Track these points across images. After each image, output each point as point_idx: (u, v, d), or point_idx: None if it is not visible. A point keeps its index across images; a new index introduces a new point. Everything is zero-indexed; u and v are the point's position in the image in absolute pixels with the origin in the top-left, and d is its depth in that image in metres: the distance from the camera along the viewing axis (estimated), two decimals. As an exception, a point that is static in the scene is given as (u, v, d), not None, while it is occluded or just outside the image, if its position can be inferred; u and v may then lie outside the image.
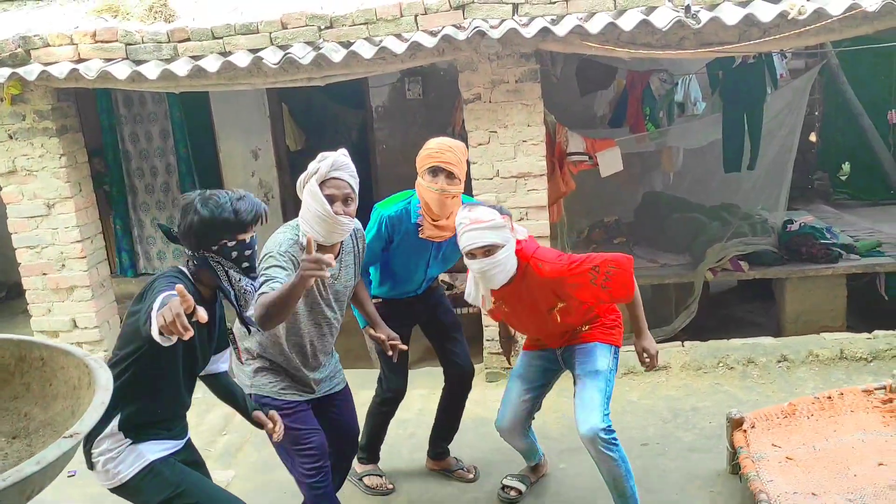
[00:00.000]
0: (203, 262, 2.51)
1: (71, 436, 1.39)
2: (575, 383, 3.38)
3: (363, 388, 5.23)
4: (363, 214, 3.18)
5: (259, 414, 2.89)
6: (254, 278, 2.59)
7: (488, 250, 3.04)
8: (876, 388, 3.82)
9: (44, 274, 5.22)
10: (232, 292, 2.53)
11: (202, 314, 2.11)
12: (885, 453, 3.38)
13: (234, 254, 2.50)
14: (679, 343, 5.34)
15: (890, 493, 3.12)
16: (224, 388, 2.94)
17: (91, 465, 2.67)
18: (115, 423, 2.56)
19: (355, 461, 3.80)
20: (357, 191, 2.96)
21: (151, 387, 2.54)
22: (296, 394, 3.17)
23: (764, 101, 5.71)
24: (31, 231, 5.17)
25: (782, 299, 6.12)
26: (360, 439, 3.73)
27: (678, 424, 4.39)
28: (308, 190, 2.89)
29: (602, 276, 3.06)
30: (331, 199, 2.85)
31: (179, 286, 2.07)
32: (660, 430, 4.33)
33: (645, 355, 3.39)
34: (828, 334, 5.25)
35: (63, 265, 5.20)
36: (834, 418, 3.69)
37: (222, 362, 2.87)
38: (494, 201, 4.69)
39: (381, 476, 4.03)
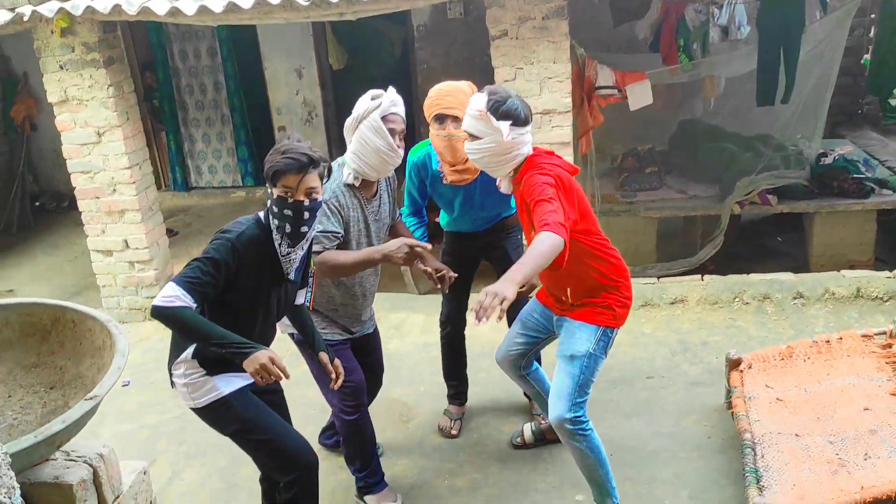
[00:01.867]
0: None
1: (91, 398, 1.67)
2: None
3: (392, 311, 5.56)
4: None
5: (324, 356, 2.91)
6: (291, 248, 2.63)
7: (472, 137, 2.96)
8: (876, 333, 3.94)
9: (97, 197, 5.59)
10: (279, 249, 2.60)
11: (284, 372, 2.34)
12: (872, 398, 3.54)
13: (275, 209, 2.53)
14: (698, 276, 5.47)
15: (869, 438, 3.30)
16: (299, 320, 3.02)
17: (172, 384, 2.73)
18: (189, 351, 2.63)
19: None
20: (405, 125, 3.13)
21: (224, 325, 2.48)
22: (336, 333, 3.33)
23: (802, 33, 5.59)
24: (83, 157, 5.50)
25: (811, 233, 6.16)
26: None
27: (686, 358, 4.60)
28: (369, 126, 2.99)
29: (545, 211, 2.72)
30: (392, 132, 3.01)
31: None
32: (667, 363, 4.55)
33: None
34: (847, 272, 5.32)
35: (114, 190, 5.55)
36: (829, 362, 3.85)
37: (300, 297, 2.97)
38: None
39: (452, 420, 4.12)
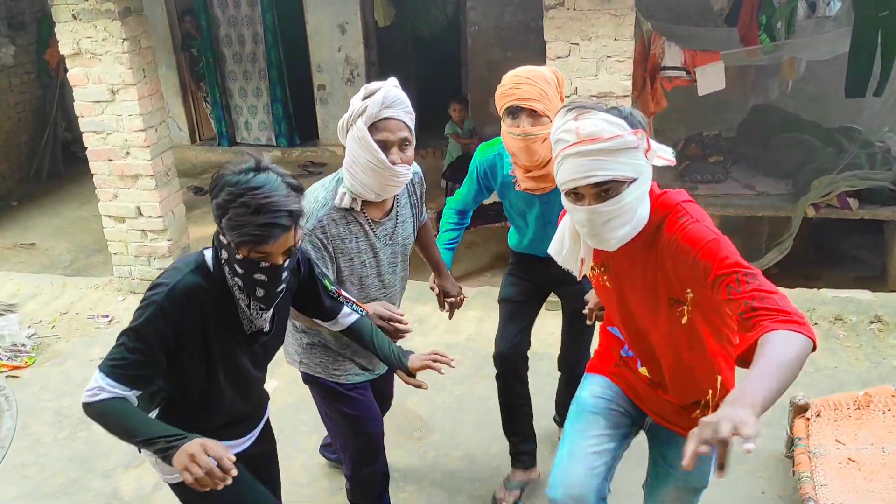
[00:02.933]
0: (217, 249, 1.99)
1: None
2: (659, 484, 2.46)
3: (418, 302, 5.11)
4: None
5: (402, 375, 2.42)
6: (265, 310, 2.05)
7: (607, 188, 1.87)
8: (973, 385, 3.35)
9: (109, 160, 5.20)
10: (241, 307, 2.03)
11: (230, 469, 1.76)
12: (966, 468, 2.98)
13: (239, 269, 1.92)
14: (761, 288, 4.87)
15: (960, 519, 2.76)
16: (356, 337, 2.45)
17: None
18: (154, 413, 2.14)
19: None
20: (414, 129, 2.38)
21: (183, 399, 2.10)
22: (352, 374, 2.70)
23: (906, 15, 4.87)
24: (96, 116, 5.11)
25: (892, 244, 5.50)
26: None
27: (741, 387, 4.04)
28: (353, 135, 2.31)
29: (752, 290, 1.80)
30: (384, 145, 2.29)
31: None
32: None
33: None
34: (936, 295, 4.68)
35: (128, 153, 5.15)
36: (915, 417, 3.28)
37: (343, 317, 2.39)
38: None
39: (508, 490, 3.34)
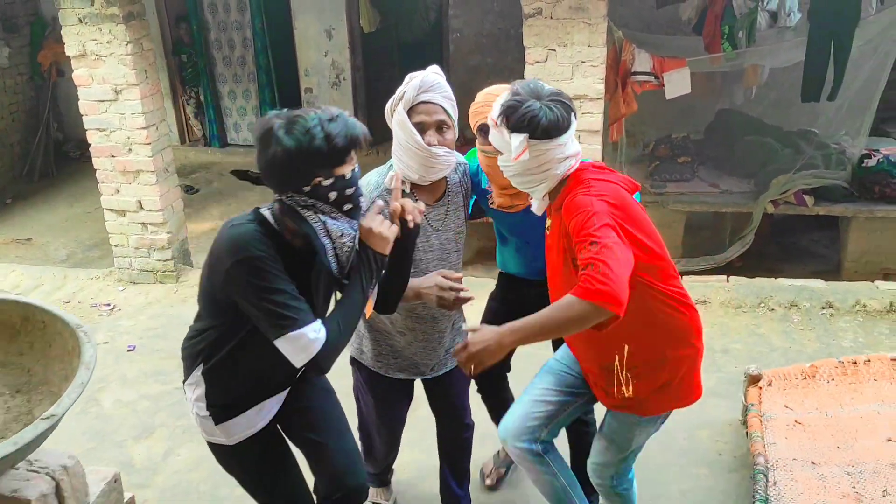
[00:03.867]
0: (291, 209, 2.01)
1: (49, 417, 1.55)
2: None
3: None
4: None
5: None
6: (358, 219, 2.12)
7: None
8: (907, 358, 3.74)
9: (112, 156, 5.47)
10: (330, 247, 2.05)
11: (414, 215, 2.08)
12: (897, 429, 3.36)
13: (333, 194, 2.00)
14: (723, 277, 5.26)
15: (890, 472, 3.12)
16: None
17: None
18: (197, 375, 2.23)
19: None
20: (455, 115, 2.48)
21: (232, 367, 2.17)
22: (395, 369, 2.78)
23: (856, 26, 5.28)
24: (100, 114, 5.38)
25: (846, 237, 5.92)
26: None
27: (704, 365, 4.34)
28: (396, 119, 2.44)
29: (588, 258, 2.03)
30: (421, 128, 2.40)
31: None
32: (684, 370, 4.37)
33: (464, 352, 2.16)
34: (881, 283, 5.08)
35: (130, 149, 5.43)
36: (855, 385, 3.66)
37: None
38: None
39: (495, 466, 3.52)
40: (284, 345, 1.95)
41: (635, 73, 5.23)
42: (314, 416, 2.47)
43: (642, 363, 2.38)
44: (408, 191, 2.49)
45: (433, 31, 9.13)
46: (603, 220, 2.11)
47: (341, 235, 2.04)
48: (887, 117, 7.97)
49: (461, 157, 2.74)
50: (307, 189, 1.97)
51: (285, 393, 2.41)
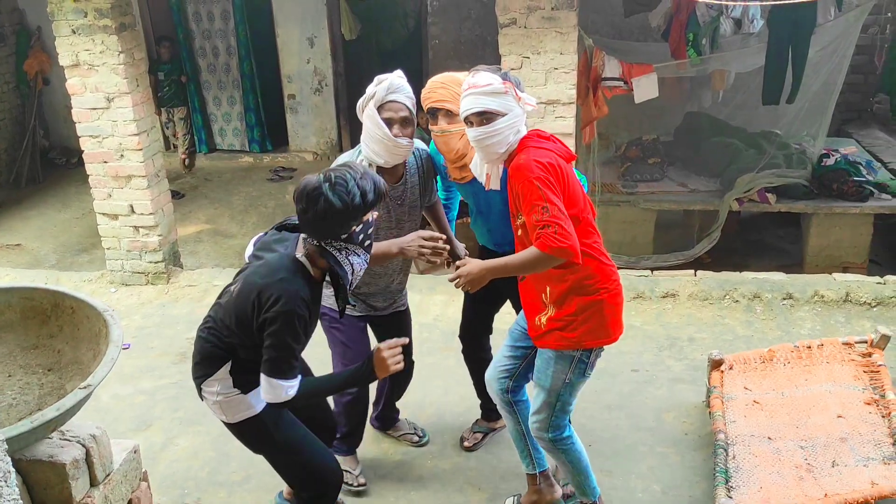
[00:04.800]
0: (324, 250, 2.45)
1: (86, 387, 1.78)
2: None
3: (411, 291, 5.61)
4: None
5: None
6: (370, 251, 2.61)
7: (486, 118, 2.74)
8: (857, 342, 4.02)
9: (104, 162, 5.67)
10: (349, 278, 2.51)
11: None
12: (846, 406, 3.64)
13: (362, 237, 2.50)
14: (691, 272, 5.55)
15: (839, 445, 3.41)
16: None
17: (201, 397, 2.75)
18: (225, 369, 2.60)
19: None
20: (415, 112, 3.06)
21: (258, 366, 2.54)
22: (356, 309, 3.37)
23: (812, 32, 5.60)
24: (92, 122, 5.57)
25: (807, 233, 6.24)
26: None
27: (672, 353, 4.70)
28: (367, 114, 3.00)
29: (543, 221, 2.63)
30: (388, 123, 2.96)
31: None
32: (653, 357, 4.65)
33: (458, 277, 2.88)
34: (838, 275, 5.39)
35: (122, 155, 5.63)
36: (809, 368, 3.95)
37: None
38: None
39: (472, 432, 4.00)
40: (266, 381, 2.47)
41: (605, 79, 5.51)
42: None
43: (556, 300, 2.89)
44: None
45: (412, 37, 9.37)
46: (546, 185, 2.65)
47: (360, 269, 2.57)
48: (848, 119, 8.38)
49: (422, 144, 3.32)
50: (344, 236, 2.46)
51: None
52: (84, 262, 7.05)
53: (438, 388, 4.49)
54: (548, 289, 2.91)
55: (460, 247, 3.62)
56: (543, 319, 2.94)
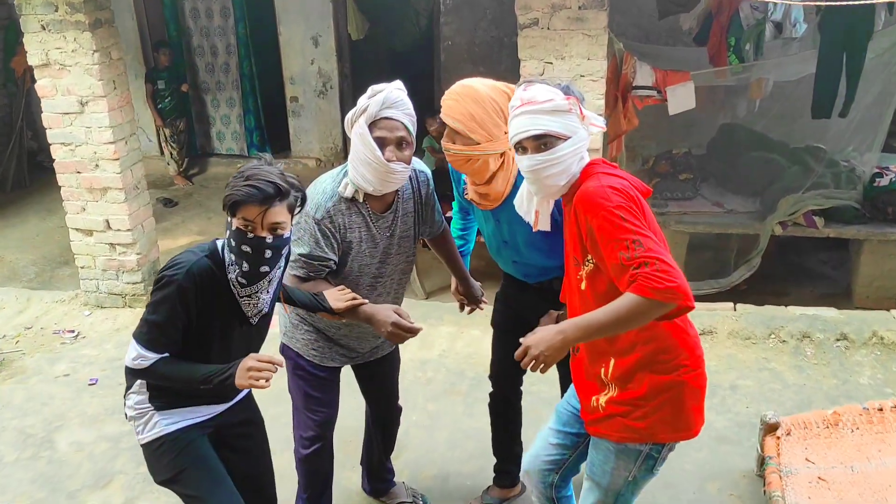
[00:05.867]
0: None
1: None
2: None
3: (440, 323, 5.03)
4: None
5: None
6: (246, 286, 2.28)
7: (544, 142, 2.20)
8: (938, 403, 3.42)
9: (77, 172, 5.12)
10: (232, 273, 2.25)
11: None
12: (931, 486, 3.04)
13: (233, 242, 2.20)
14: (730, 305, 4.94)
15: (926, 538, 2.81)
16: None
17: (126, 415, 2.53)
18: (142, 381, 2.40)
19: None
20: (414, 132, 2.51)
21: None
22: (328, 358, 2.86)
23: (869, 39, 4.97)
24: (64, 128, 5.03)
25: (857, 261, 5.61)
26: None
27: (712, 405, 4.08)
28: (356, 131, 2.47)
29: (638, 259, 1.99)
30: (381, 143, 2.43)
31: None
32: (691, 410, 4.04)
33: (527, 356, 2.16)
34: (899, 312, 4.77)
35: (97, 165, 5.08)
36: (882, 435, 3.34)
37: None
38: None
39: None
40: (131, 344, 2.29)
41: (636, 88, 4.90)
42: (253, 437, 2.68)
43: (619, 377, 2.29)
44: (360, 200, 2.57)
45: (424, 38, 8.80)
46: (632, 214, 2.08)
47: (236, 275, 2.29)
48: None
49: (421, 165, 2.77)
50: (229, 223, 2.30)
51: (220, 407, 2.53)
52: (65, 277, 6.52)
53: (443, 442, 3.90)
54: (610, 362, 2.29)
55: (476, 287, 3.13)
56: (602, 401, 2.32)
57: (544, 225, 2.42)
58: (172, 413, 2.43)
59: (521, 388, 3.24)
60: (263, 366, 2.23)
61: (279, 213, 2.18)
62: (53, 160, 5.17)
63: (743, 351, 4.57)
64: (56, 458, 3.90)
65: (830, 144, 5.94)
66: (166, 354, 2.27)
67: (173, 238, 7.01)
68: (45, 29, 4.80)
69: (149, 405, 2.41)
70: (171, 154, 8.52)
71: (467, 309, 3.15)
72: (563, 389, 3.00)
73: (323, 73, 8.55)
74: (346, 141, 8.79)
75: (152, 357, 2.25)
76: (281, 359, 2.32)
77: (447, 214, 3.09)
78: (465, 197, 2.81)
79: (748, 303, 5.07)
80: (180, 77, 8.42)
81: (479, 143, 2.53)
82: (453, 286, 3.16)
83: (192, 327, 2.28)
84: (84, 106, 4.94)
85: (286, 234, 2.24)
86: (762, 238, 5.41)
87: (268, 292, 2.35)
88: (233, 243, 2.20)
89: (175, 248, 6.69)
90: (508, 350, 3.07)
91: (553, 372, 2.58)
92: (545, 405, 3.78)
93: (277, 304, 2.57)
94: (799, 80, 5.94)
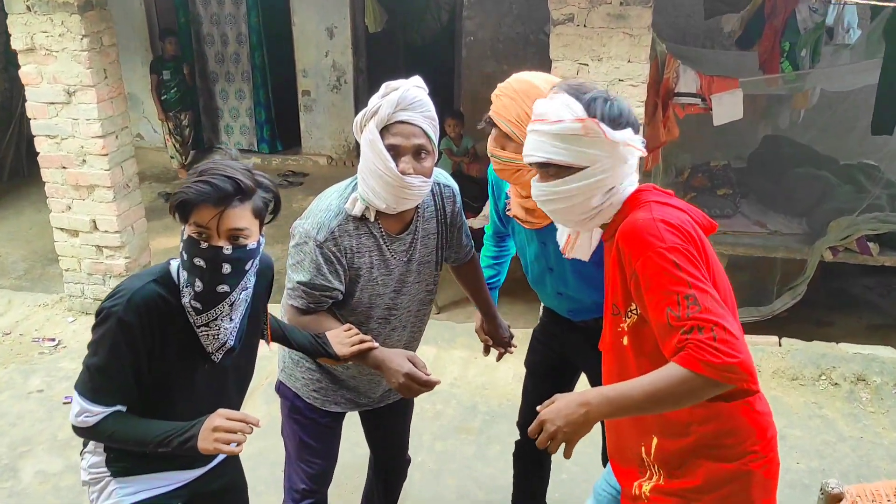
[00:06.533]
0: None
1: None
2: None
3: (425, 342, 4.58)
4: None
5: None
6: (202, 312, 1.83)
7: (550, 171, 1.81)
8: None
9: (63, 167, 4.71)
10: (186, 296, 1.81)
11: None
12: None
13: (185, 255, 1.78)
14: (775, 339, 4.45)
15: None
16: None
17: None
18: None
19: None
20: (436, 138, 2.10)
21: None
22: (331, 402, 2.41)
23: (941, 48, 4.48)
24: (49, 119, 4.62)
25: (913, 292, 5.10)
26: None
27: (757, 457, 3.60)
28: (366, 137, 2.05)
29: (691, 321, 1.58)
30: (395, 152, 2.02)
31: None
32: (733, 463, 3.57)
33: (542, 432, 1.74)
34: (966, 356, 4.27)
35: (83, 160, 4.66)
36: (964, 513, 2.85)
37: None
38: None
39: None
40: (73, 397, 1.88)
41: (678, 94, 4.42)
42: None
43: (667, 460, 1.86)
44: (371, 218, 2.15)
45: (444, 33, 8.36)
46: (689, 260, 1.65)
47: (189, 299, 1.86)
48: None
49: (447, 178, 2.34)
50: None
51: (194, 473, 2.12)
52: (55, 275, 6.07)
53: (451, 489, 3.47)
54: (652, 441, 1.86)
55: (505, 327, 2.68)
56: (646, 489, 1.90)
57: (580, 252, 2.01)
58: (134, 481, 2.01)
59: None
60: (234, 425, 1.80)
61: (240, 216, 1.74)
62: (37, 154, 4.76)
63: (790, 393, 4.09)
64: (18, 490, 3.49)
65: (886, 162, 5.43)
66: (118, 408, 1.86)
67: (169, 237, 6.59)
68: (30, 10, 4.39)
69: (105, 470, 2.00)
70: (175, 147, 8.10)
71: (495, 354, 2.69)
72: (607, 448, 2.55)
73: (337, 67, 8.11)
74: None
75: (100, 412, 1.84)
76: (256, 418, 1.84)
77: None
78: (508, 213, 2.38)
79: (789, 332, 4.60)
80: (187, 45, 7.94)
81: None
82: (477, 323, 2.70)
83: (145, 372, 1.85)
84: (71, 96, 4.52)
85: (251, 244, 1.79)
86: (809, 264, 4.91)
87: (231, 320, 1.87)
88: (185, 257, 1.78)
89: (172, 248, 6.27)
90: (543, 396, 2.66)
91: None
92: (578, 464, 3.32)
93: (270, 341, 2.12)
94: (849, 90, 5.45)
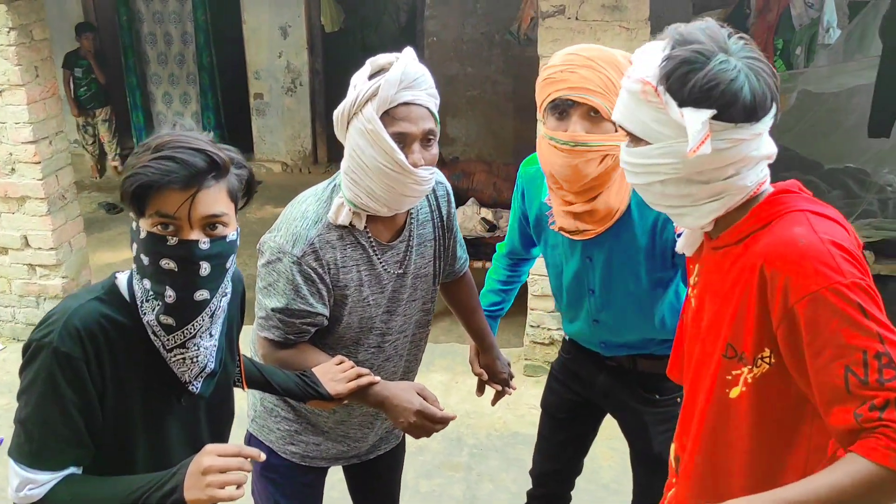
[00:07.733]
0: None
1: None
2: None
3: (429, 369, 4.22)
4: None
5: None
6: (176, 330, 1.41)
7: (629, 135, 1.39)
8: None
9: (-11, 177, 4.20)
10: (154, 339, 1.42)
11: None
12: None
13: (145, 259, 1.36)
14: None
15: None
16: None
17: None
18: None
19: None
20: (438, 120, 1.75)
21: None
22: (313, 457, 2.04)
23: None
24: (-28, 123, 4.11)
25: (908, 301, 4.90)
26: None
27: None
28: (359, 128, 1.66)
29: (885, 392, 1.16)
30: (402, 141, 1.66)
31: None
32: None
33: None
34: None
35: (12, 169, 4.18)
36: None
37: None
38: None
39: None
40: (9, 466, 1.44)
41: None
42: None
43: None
44: (360, 226, 1.80)
45: (405, 33, 8.02)
46: (870, 300, 1.20)
47: (150, 314, 1.46)
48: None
49: (441, 176, 1.96)
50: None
51: None
52: None
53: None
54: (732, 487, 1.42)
55: (504, 361, 2.26)
56: None
57: (685, 247, 1.53)
58: None
59: (572, 491, 2.41)
60: (229, 463, 1.37)
61: (216, 198, 1.35)
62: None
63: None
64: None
65: (871, 166, 5.25)
66: (71, 470, 1.42)
67: (112, 251, 6.09)
68: (-52, -1, 3.88)
69: None
70: (83, 145, 7.49)
71: (492, 394, 2.27)
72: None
73: (292, 68, 7.74)
74: (316, 144, 7.94)
75: (47, 480, 1.40)
76: (256, 450, 1.42)
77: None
78: (552, 227, 1.95)
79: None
80: (99, 65, 7.15)
81: (616, 131, 1.68)
82: (471, 353, 2.27)
83: (99, 419, 1.42)
84: (-3, 96, 4.03)
85: (230, 234, 1.39)
86: (803, 274, 4.67)
87: (211, 336, 1.46)
88: (145, 261, 1.36)
89: (116, 263, 5.76)
90: (564, 443, 2.25)
91: (611, 465, 1.79)
92: None
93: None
94: (833, 93, 5.26)
